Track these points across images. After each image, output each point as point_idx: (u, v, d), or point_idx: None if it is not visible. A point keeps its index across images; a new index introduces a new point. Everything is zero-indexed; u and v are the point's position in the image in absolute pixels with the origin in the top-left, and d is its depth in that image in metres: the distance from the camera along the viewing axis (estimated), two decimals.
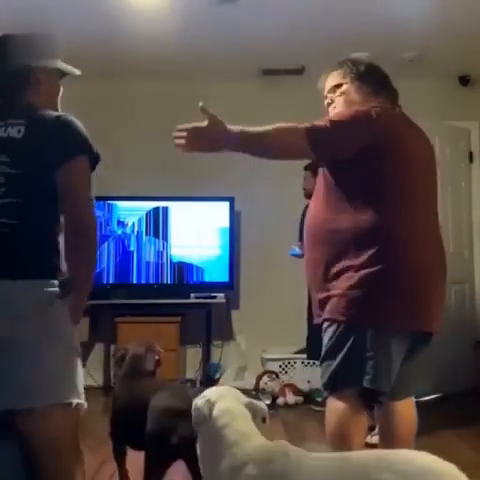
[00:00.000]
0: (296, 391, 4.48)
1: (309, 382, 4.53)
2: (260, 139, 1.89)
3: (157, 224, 5.00)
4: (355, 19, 4.03)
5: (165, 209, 5.01)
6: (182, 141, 1.90)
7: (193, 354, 5.05)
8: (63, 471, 1.66)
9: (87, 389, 1.75)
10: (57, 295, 1.66)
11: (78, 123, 1.76)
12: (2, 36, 1.86)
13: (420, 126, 2.10)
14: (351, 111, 2.00)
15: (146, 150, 5.15)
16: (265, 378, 4.55)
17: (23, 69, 1.82)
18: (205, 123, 1.86)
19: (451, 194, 4.76)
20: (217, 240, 5.00)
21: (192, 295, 4.86)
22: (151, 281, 4.96)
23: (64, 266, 1.72)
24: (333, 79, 2.15)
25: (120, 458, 2.44)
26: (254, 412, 1.60)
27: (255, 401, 1.64)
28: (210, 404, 1.56)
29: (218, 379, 4.95)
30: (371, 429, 2.76)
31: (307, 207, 2.25)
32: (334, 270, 1.94)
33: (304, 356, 4.50)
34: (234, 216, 5.03)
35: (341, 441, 1.90)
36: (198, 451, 1.59)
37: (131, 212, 5.00)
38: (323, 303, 1.98)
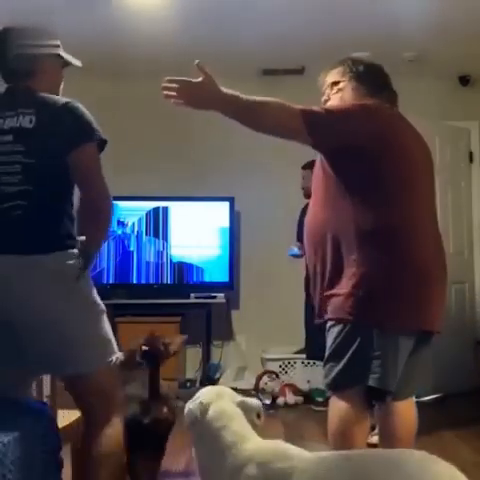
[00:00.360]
0: (296, 391, 4.48)
1: (309, 382, 4.53)
2: (253, 108, 1.87)
3: (157, 224, 4.99)
4: (355, 19, 4.03)
5: (165, 209, 5.01)
6: (173, 93, 1.87)
7: (193, 354, 5.04)
8: (109, 413, 1.86)
9: None
10: (80, 266, 1.81)
11: (84, 109, 1.85)
12: (6, 27, 1.93)
13: (420, 126, 2.11)
14: (347, 104, 2.02)
15: (146, 150, 5.15)
16: (265, 378, 4.55)
17: (28, 58, 1.88)
18: (199, 79, 1.84)
19: (451, 194, 4.76)
20: (217, 240, 4.99)
21: (192, 295, 4.86)
22: (151, 281, 4.95)
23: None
24: (332, 76, 2.16)
25: None
26: (248, 410, 1.60)
27: (248, 399, 1.64)
28: (202, 406, 1.57)
29: (218, 379, 4.94)
30: (371, 429, 2.76)
31: (306, 207, 2.24)
32: (335, 269, 1.94)
33: (304, 356, 4.49)
34: (234, 216, 5.02)
35: (343, 441, 1.90)
36: (193, 452, 1.60)
37: (131, 212, 4.99)
38: (324, 302, 1.98)
